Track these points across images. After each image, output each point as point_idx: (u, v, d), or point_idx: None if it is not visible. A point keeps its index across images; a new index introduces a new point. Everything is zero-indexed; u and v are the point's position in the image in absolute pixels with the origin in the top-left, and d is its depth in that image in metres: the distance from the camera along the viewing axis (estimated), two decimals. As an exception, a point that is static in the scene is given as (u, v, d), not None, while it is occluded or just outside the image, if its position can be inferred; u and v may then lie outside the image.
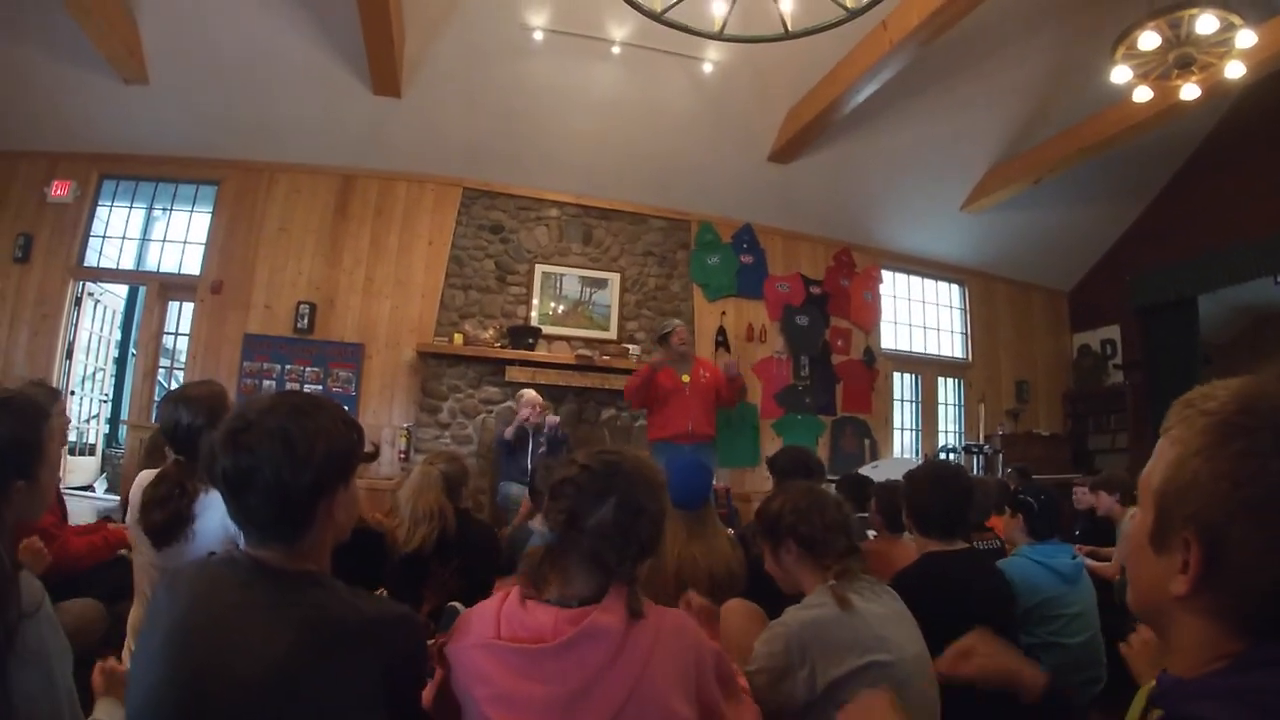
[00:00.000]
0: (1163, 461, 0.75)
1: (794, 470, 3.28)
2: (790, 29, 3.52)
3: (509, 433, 5.19)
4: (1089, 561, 2.76)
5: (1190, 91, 4.67)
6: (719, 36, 3.60)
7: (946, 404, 8.22)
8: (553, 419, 5.40)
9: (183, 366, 6.39)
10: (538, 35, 5.43)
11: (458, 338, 6.07)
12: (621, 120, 6.21)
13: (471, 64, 5.68)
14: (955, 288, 8.41)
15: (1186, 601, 0.72)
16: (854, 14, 3.41)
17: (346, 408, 2.11)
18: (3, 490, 1.33)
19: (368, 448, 1.41)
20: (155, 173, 6.35)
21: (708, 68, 5.76)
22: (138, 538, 2.16)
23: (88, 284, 6.37)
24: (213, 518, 2.10)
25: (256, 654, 1.09)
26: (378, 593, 2.94)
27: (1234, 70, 4.45)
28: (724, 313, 7.04)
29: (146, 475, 2.20)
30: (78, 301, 6.33)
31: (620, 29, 5.45)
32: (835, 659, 1.64)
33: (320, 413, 1.24)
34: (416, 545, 2.90)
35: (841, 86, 5.61)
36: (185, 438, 2.12)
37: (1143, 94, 4.83)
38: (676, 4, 3.44)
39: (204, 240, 6.27)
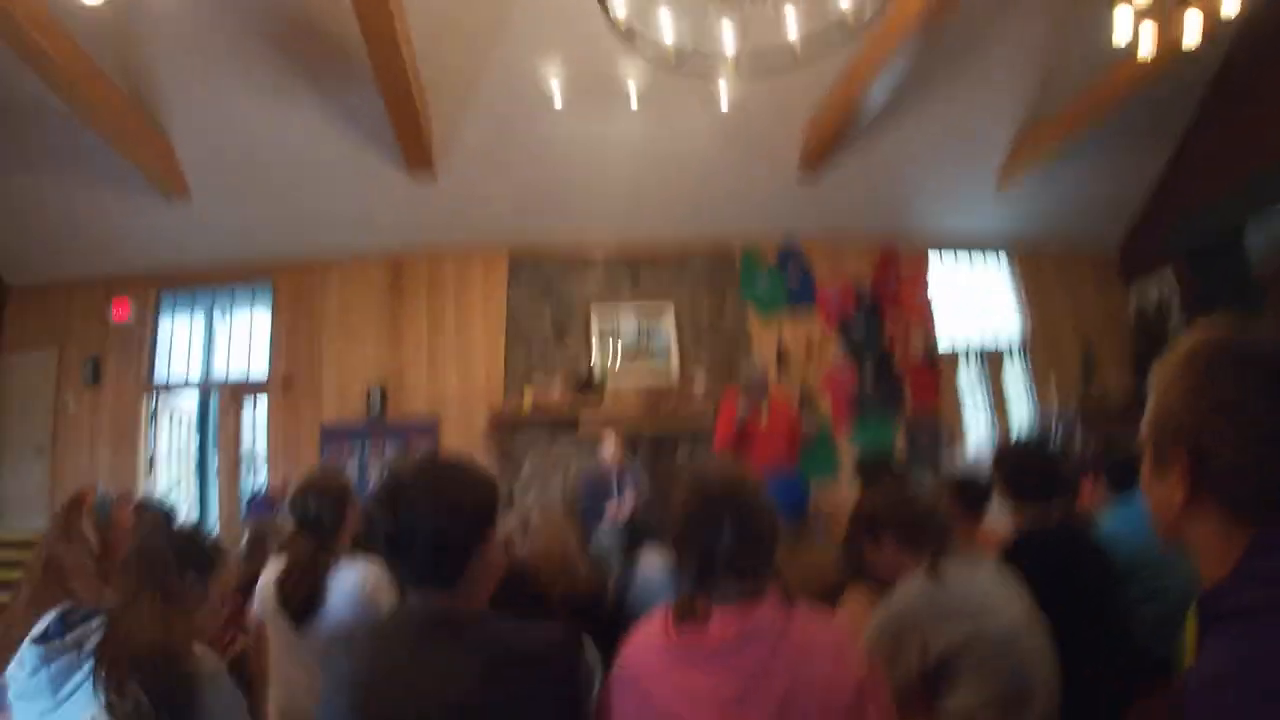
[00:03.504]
0: (1149, 407, 0.92)
1: (878, 469, 3.33)
2: (800, 55, 3.60)
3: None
4: None
5: (1193, 25, 4.54)
6: (735, 75, 3.69)
7: (1014, 387, 8.09)
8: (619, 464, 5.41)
9: (264, 464, 6.52)
10: (558, 95, 5.55)
11: (527, 398, 6.18)
12: (650, 161, 6.31)
13: (499, 133, 5.85)
14: (1004, 268, 8.30)
15: (1191, 509, 0.85)
16: (858, 29, 3.48)
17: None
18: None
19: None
20: (210, 281, 6.56)
21: (724, 94, 5.81)
22: (274, 625, 2.33)
23: (161, 396, 6.57)
24: (341, 591, 2.29)
25: (447, 688, 1.20)
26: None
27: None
28: (781, 331, 7.06)
29: (273, 567, 2.42)
30: (153, 416, 6.54)
31: (635, 73, 5.54)
32: (940, 628, 1.79)
33: (462, 470, 1.39)
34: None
35: (857, 88, 5.65)
36: (315, 523, 2.39)
37: (1147, 33, 4.65)
38: (691, 55, 3.53)
39: (268, 339, 6.47)
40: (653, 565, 3.10)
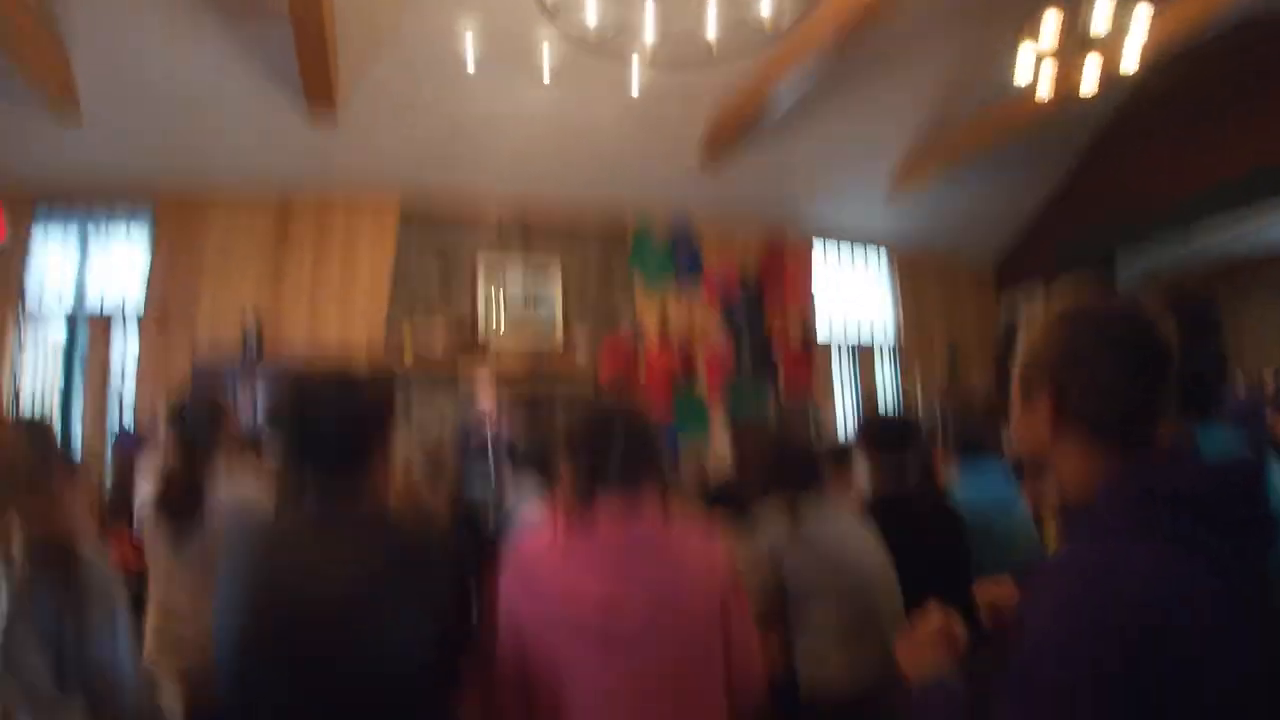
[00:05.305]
0: (1021, 352, 1.15)
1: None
2: (716, 53, 3.73)
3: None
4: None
5: (1092, 71, 4.82)
6: (650, 63, 3.79)
7: (883, 381, 8.57)
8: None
9: (131, 400, 6.29)
10: (472, 53, 5.55)
11: (408, 352, 6.17)
12: (556, 130, 6.37)
13: (407, 84, 5.78)
14: (885, 269, 8.76)
15: (1057, 433, 1.07)
16: (775, 34, 3.64)
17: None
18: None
19: None
20: (91, 205, 6.25)
21: (638, 77, 5.93)
22: (153, 541, 2.33)
23: (29, 323, 6.28)
24: (219, 508, 2.29)
25: (350, 572, 1.27)
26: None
27: (1132, 50, 4.59)
28: (665, 307, 7.24)
29: (150, 483, 2.40)
30: (20, 342, 6.25)
31: (552, 44, 5.58)
32: (795, 562, 2.00)
33: (362, 370, 1.48)
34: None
35: (766, 87, 5.88)
36: (191, 433, 2.39)
37: (1047, 73, 4.92)
38: (612, 38, 3.61)
39: (145, 270, 6.23)
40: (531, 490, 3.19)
